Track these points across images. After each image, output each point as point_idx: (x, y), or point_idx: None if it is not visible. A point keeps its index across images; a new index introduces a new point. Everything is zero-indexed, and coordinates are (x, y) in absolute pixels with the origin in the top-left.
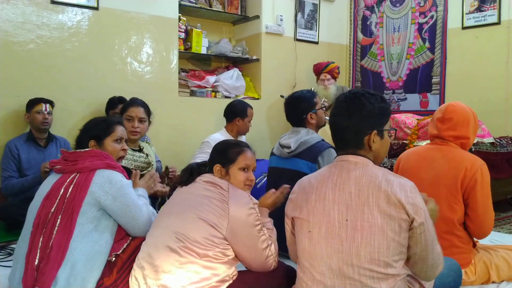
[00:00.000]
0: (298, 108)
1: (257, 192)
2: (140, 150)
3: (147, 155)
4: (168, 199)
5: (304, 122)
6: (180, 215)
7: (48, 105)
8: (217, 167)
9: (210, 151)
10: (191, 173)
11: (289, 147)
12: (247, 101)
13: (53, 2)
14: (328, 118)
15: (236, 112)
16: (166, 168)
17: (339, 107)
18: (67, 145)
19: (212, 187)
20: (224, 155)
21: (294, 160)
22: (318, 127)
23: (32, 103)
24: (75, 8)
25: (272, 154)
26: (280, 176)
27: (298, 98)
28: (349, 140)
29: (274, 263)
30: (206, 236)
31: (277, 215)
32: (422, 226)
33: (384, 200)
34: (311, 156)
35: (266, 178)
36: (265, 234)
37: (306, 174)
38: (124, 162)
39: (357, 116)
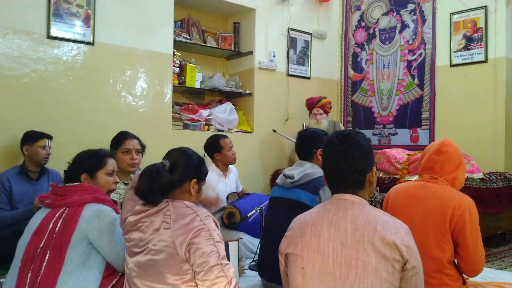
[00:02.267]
0: (310, 141)
1: (248, 227)
2: None
3: None
4: None
5: (312, 156)
6: None
7: (49, 140)
8: (193, 181)
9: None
10: None
11: (292, 178)
12: (240, 134)
13: (49, 37)
14: None
15: (211, 148)
16: None
17: (337, 150)
18: (59, 178)
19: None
20: (202, 171)
21: (296, 190)
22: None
23: (35, 137)
24: (71, 43)
25: (275, 184)
26: (280, 205)
27: (312, 132)
28: (352, 180)
29: None
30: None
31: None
32: (414, 269)
33: (379, 240)
34: (312, 188)
35: (258, 212)
36: None
37: (306, 204)
38: (116, 197)
39: (359, 156)
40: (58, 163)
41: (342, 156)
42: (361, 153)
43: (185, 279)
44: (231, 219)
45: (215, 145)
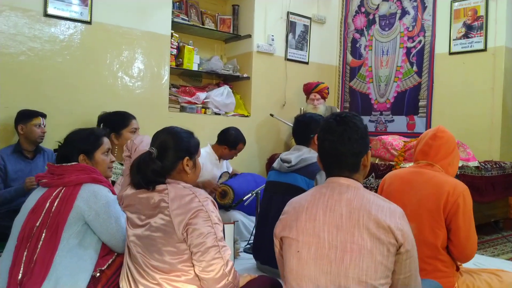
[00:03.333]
0: (307, 127)
1: (244, 210)
2: None
3: None
4: None
5: (309, 141)
6: None
7: (44, 118)
8: (186, 160)
9: None
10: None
11: (289, 162)
12: (237, 118)
13: (46, 15)
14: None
15: (227, 142)
16: None
17: (335, 132)
18: (54, 156)
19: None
20: (191, 146)
21: (293, 175)
22: None
23: (29, 116)
24: (68, 22)
25: (272, 169)
26: (276, 190)
27: (309, 117)
28: (348, 163)
29: None
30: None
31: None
32: (408, 253)
33: (374, 224)
34: (309, 172)
35: (254, 196)
36: None
37: (302, 188)
38: (113, 177)
39: (355, 139)
40: (52, 141)
41: (339, 139)
42: (357, 136)
43: (182, 259)
44: (224, 197)
45: (233, 143)
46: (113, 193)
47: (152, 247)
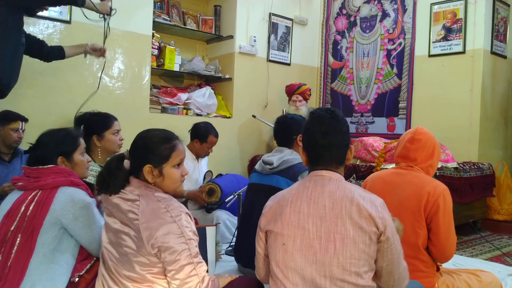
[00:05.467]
0: (289, 128)
1: (226, 211)
2: None
3: None
4: None
5: (292, 143)
6: None
7: (23, 123)
8: (147, 168)
9: None
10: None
11: (271, 164)
12: (218, 119)
13: (25, 14)
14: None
15: (197, 135)
16: None
17: (327, 124)
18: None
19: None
20: (155, 152)
21: (275, 176)
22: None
23: (7, 119)
24: (47, 21)
25: (254, 170)
26: (258, 192)
27: (291, 119)
28: (335, 156)
29: None
30: None
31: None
32: (388, 240)
33: (356, 213)
34: (291, 174)
35: (236, 197)
36: None
37: None
38: (93, 180)
39: (345, 131)
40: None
41: (330, 131)
42: (346, 129)
43: (153, 272)
44: (212, 195)
45: (203, 135)
46: (91, 196)
47: (123, 256)
